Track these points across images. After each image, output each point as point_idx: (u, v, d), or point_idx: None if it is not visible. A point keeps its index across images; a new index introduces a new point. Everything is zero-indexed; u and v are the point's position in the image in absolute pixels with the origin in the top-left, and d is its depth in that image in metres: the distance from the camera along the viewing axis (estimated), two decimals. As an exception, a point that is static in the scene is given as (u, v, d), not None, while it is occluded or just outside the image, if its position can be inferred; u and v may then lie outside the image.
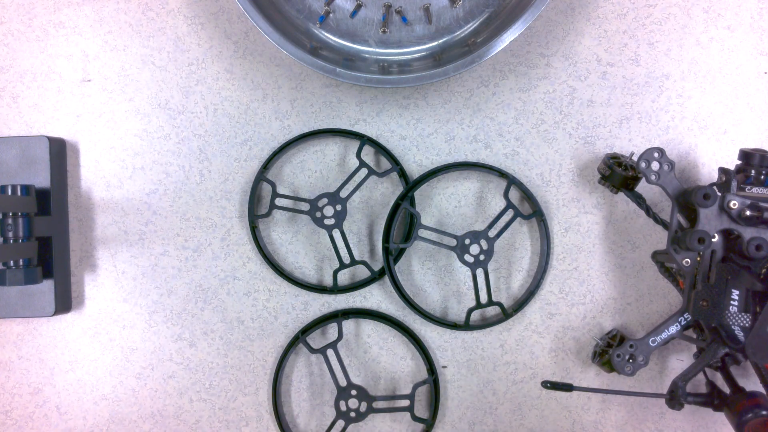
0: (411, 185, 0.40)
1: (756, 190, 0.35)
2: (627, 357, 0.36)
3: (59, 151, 0.41)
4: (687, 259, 0.35)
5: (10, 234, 0.37)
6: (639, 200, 0.38)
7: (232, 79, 0.41)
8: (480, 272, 0.39)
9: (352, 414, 0.40)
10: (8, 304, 0.40)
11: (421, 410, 0.41)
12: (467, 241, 0.39)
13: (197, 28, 0.41)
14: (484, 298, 0.39)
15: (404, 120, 0.41)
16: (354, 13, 0.40)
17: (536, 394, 0.41)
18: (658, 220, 0.38)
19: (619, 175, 0.37)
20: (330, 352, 0.40)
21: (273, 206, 0.40)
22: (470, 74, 0.41)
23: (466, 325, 0.39)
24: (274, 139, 0.41)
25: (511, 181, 0.39)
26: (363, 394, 0.40)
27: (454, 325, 0.39)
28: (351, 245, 0.41)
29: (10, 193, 0.37)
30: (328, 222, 0.40)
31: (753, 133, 0.40)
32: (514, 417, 0.41)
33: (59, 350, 0.42)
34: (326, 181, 0.42)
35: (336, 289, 0.40)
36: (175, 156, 0.42)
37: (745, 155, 0.36)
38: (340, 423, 0.40)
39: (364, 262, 0.40)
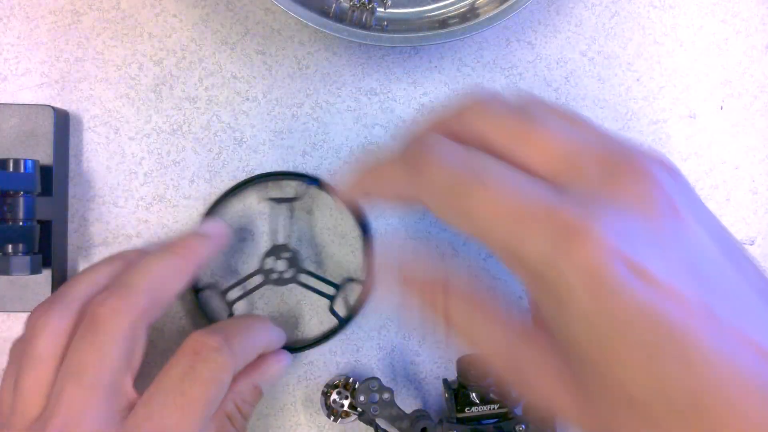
0: (321, 180, 0.37)
1: (476, 409, 0.34)
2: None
3: (63, 125, 0.36)
4: None
5: (9, 216, 0.32)
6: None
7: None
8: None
9: (274, 275, 0.36)
10: (-3, 296, 0.35)
11: (341, 307, 0.38)
12: (285, 254, 0.36)
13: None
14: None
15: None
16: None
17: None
18: None
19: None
20: (280, 207, 0.37)
21: (271, 203, 0.37)
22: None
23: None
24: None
25: (338, 293, 0.37)
26: (295, 260, 0.37)
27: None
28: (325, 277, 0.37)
29: (12, 169, 0.32)
30: (288, 275, 0.37)
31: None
32: None
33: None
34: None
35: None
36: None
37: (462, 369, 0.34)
38: (257, 279, 0.36)
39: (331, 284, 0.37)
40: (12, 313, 0.37)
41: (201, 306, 0.36)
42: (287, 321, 0.38)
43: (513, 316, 0.24)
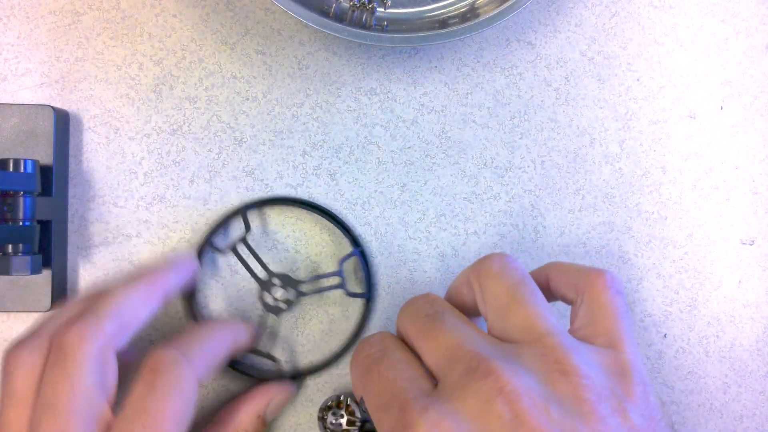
0: (267, 200, 0.37)
1: None
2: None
3: (63, 125, 0.36)
4: None
5: (9, 216, 0.32)
6: None
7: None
8: (271, 319, 0.37)
9: (282, 305, 0.37)
10: (-3, 296, 0.35)
11: (353, 286, 0.38)
12: (275, 281, 0.37)
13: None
14: (264, 346, 0.37)
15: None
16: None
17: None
18: None
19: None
20: (241, 247, 0.37)
21: (233, 249, 0.37)
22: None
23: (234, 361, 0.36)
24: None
25: (356, 253, 0.37)
26: (288, 280, 0.37)
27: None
28: (278, 337, 0.38)
29: (12, 169, 0.32)
30: (272, 304, 0.37)
31: None
32: None
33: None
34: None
35: (233, 366, 0.37)
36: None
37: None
38: (272, 317, 0.37)
39: (273, 358, 0.37)
40: (12, 313, 0.37)
41: (196, 311, 0.37)
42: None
43: None
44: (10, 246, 0.32)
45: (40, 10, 0.37)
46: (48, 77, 0.37)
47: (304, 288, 0.37)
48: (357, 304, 0.38)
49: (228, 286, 0.38)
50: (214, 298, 0.38)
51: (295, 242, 0.38)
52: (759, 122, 0.40)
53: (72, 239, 0.37)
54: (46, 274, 0.35)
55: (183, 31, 0.38)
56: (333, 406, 0.36)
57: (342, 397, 0.36)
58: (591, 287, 0.28)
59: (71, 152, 0.37)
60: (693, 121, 0.40)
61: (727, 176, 0.40)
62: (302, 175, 0.38)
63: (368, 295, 0.37)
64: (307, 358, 0.38)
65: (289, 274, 0.37)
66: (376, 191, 0.39)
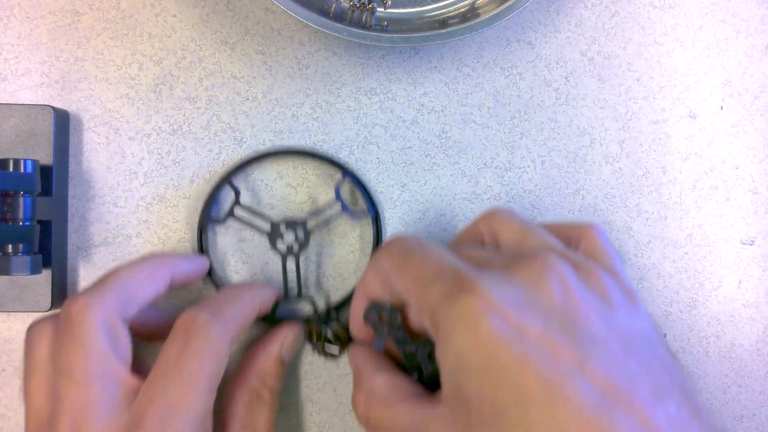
0: (240, 163, 0.37)
1: None
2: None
3: (63, 125, 0.36)
4: None
5: (9, 216, 0.32)
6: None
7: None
8: (291, 260, 0.37)
9: (295, 247, 0.37)
10: (-4, 296, 0.35)
11: (356, 210, 0.38)
12: (282, 228, 0.37)
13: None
14: (293, 291, 0.37)
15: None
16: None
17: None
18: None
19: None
20: (238, 210, 0.37)
21: (230, 215, 0.37)
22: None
23: (272, 315, 0.36)
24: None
25: (346, 175, 0.37)
26: (292, 223, 0.37)
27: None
28: (302, 277, 0.37)
29: (12, 169, 0.32)
30: (285, 249, 0.37)
31: None
32: None
33: (50, 350, 0.37)
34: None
35: (273, 320, 0.37)
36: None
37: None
38: (290, 261, 0.37)
39: (311, 298, 0.37)
40: (12, 313, 0.37)
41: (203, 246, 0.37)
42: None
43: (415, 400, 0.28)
44: (10, 246, 0.32)
45: (40, 10, 0.37)
46: (48, 77, 0.37)
47: (309, 225, 0.37)
48: (367, 228, 0.38)
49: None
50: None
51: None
52: (759, 122, 0.40)
53: (72, 239, 0.37)
54: (46, 274, 0.35)
55: (183, 31, 0.38)
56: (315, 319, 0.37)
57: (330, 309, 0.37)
58: (586, 236, 0.30)
59: (71, 152, 0.37)
60: (693, 121, 0.40)
61: (727, 176, 0.40)
62: (302, 175, 0.38)
63: (373, 212, 0.38)
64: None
65: (292, 216, 0.37)
66: (376, 191, 0.38)
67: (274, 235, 0.37)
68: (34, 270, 0.33)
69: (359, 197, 0.38)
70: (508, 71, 0.39)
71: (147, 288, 0.31)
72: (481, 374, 0.23)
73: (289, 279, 0.37)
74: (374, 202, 0.38)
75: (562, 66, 0.39)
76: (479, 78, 0.39)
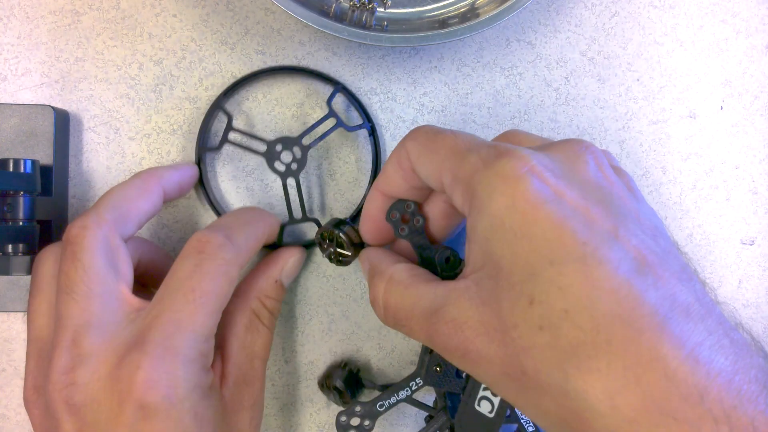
0: (231, 86, 0.37)
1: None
2: (351, 422, 0.34)
3: (63, 125, 0.36)
4: None
5: (9, 216, 0.32)
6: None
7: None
8: (291, 182, 0.36)
9: (293, 165, 0.36)
10: (-4, 296, 0.35)
11: (350, 122, 0.38)
12: (278, 148, 0.36)
13: None
14: (297, 213, 0.37)
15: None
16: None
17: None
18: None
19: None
20: (232, 135, 0.37)
21: (225, 140, 0.36)
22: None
23: (278, 242, 0.36)
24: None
25: (338, 89, 0.36)
26: (287, 141, 0.36)
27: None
28: (304, 198, 0.37)
29: (12, 168, 0.32)
30: (284, 169, 0.36)
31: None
32: None
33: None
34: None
35: (280, 244, 0.36)
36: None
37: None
38: (290, 181, 0.36)
39: (315, 220, 0.37)
40: (12, 313, 0.37)
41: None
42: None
43: (432, 287, 0.27)
44: (9, 246, 0.32)
45: (40, 10, 0.37)
46: (48, 77, 0.37)
47: (305, 141, 0.36)
48: (364, 140, 0.38)
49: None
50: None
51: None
52: (759, 122, 0.40)
53: (72, 239, 0.37)
54: (46, 274, 0.35)
55: (183, 31, 0.38)
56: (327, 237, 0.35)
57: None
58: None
59: (71, 152, 0.37)
60: (693, 121, 0.40)
61: (727, 176, 0.40)
62: (302, 176, 0.38)
63: (368, 124, 0.37)
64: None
65: (288, 136, 0.37)
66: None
67: (270, 155, 0.36)
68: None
69: (353, 111, 0.38)
70: (508, 71, 0.39)
71: (141, 203, 0.32)
72: (517, 235, 0.23)
73: (291, 200, 0.37)
74: (369, 115, 0.38)
75: (562, 66, 0.39)
76: (479, 78, 0.39)
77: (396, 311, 0.28)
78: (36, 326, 0.30)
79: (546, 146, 0.27)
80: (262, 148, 0.36)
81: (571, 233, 0.23)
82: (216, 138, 0.37)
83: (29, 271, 0.32)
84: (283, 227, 0.36)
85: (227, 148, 0.38)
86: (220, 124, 0.38)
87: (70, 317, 0.28)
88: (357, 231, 0.34)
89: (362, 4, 0.37)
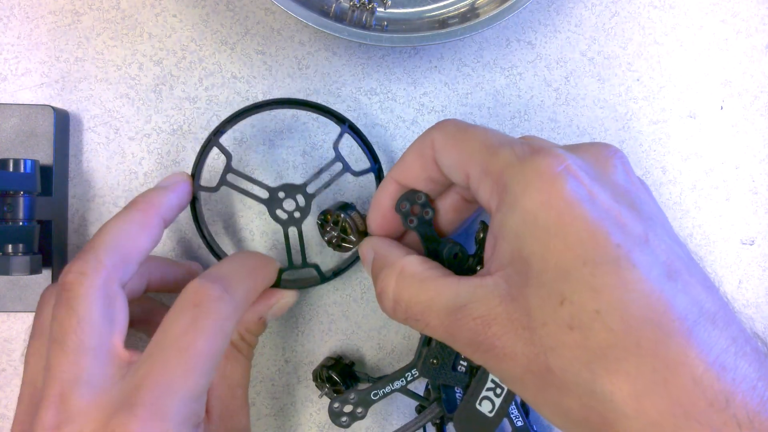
0: (228, 118, 0.34)
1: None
2: (344, 409, 0.33)
3: (63, 125, 0.36)
4: None
5: (9, 216, 0.32)
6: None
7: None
8: (293, 231, 0.34)
9: (296, 214, 0.34)
10: (-4, 296, 0.35)
11: (357, 165, 0.37)
12: (281, 195, 0.34)
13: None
14: (297, 259, 0.35)
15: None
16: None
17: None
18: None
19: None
20: (230, 177, 0.34)
21: (223, 182, 0.34)
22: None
23: (276, 284, 0.34)
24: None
25: (345, 130, 0.34)
26: (291, 188, 0.34)
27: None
28: (305, 245, 0.35)
29: (12, 169, 0.32)
30: (287, 217, 0.34)
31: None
32: None
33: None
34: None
35: (277, 286, 0.35)
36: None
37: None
38: (292, 231, 0.34)
39: (315, 266, 0.35)
40: (12, 313, 0.37)
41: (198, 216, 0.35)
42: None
43: (450, 281, 0.27)
44: (10, 246, 0.32)
45: (40, 10, 0.37)
46: (48, 77, 0.37)
47: (309, 189, 0.35)
48: (369, 183, 0.38)
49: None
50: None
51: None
52: (759, 122, 0.40)
53: (72, 239, 0.37)
54: (46, 274, 0.35)
55: (183, 31, 0.38)
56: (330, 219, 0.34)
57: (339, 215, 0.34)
58: None
59: (71, 152, 0.37)
60: (693, 121, 0.40)
61: (727, 176, 0.40)
62: (302, 176, 0.38)
63: (374, 166, 0.36)
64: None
65: (290, 182, 0.35)
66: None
67: (272, 203, 0.34)
68: (34, 270, 0.33)
69: (357, 148, 0.36)
70: (508, 71, 0.39)
71: (141, 241, 0.30)
72: (550, 233, 0.23)
73: (291, 246, 0.35)
74: (376, 155, 0.36)
75: (562, 66, 0.39)
76: (479, 78, 0.39)
77: (409, 305, 0.27)
78: (31, 371, 0.29)
79: (573, 148, 0.27)
80: (264, 194, 0.34)
81: (605, 235, 0.23)
82: (212, 174, 0.37)
83: (29, 271, 0.32)
84: (281, 271, 0.34)
85: (225, 189, 0.35)
86: (217, 156, 0.37)
87: (59, 370, 0.26)
88: (363, 218, 0.33)
89: (362, 4, 0.37)
